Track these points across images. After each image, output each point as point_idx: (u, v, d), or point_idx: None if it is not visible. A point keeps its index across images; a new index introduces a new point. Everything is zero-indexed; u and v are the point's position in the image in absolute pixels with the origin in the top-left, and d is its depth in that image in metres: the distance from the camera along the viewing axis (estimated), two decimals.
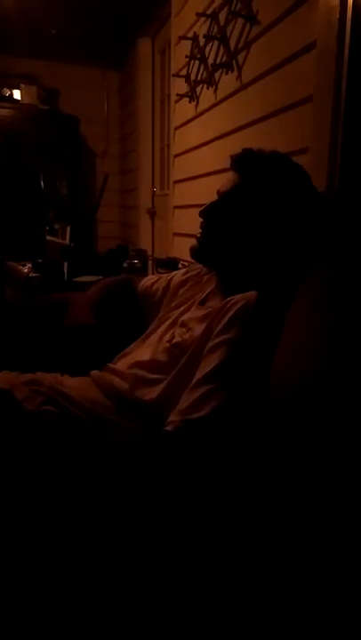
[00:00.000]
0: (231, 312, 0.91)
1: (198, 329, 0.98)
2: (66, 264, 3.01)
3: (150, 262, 2.89)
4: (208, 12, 2.05)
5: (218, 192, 1.04)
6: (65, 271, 2.98)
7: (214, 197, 1.05)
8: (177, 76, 2.53)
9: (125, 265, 2.58)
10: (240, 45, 1.81)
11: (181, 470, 0.80)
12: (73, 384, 1.06)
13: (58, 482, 0.75)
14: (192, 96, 2.39)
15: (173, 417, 0.86)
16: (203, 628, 0.67)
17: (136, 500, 0.75)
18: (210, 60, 2.11)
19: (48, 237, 3.18)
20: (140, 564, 0.71)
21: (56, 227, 3.60)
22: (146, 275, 2.67)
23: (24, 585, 0.67)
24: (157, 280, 1.33)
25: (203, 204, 1.05)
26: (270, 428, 0.80)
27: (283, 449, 0.76)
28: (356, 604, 0.59)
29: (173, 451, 0.82)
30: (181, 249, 2.60)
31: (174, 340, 1.03)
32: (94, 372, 1.09)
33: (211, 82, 2.14)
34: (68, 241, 3.62)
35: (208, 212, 1.04)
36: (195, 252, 1.07)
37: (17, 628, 0.64)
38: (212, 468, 0.82)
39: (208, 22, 2.04)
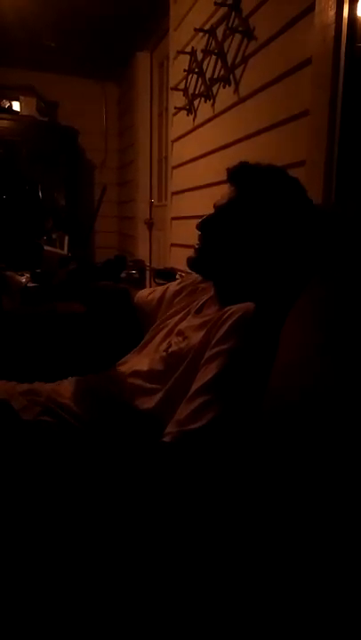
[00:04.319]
0: (229, 322, 0.92)
1: (195, 337, 0.99)
2: None
3: (148, 273, 2.90)
4: (206, 28, 2.08)
5: (214, 206, 1.04)
6: None
7: (212, 209, 1.06)
8: (175, 89, 2.56)
9: (123, 275, 2.58)
10: (237, 60, 1.84)
11: (179, 481, 0.80)
12: (70, 394, 1.06)
13: (55, 492, 0.75)
14: (190, 109, 2.42)
15: (171, 428, 0.86)
16: (201, 631, 0.67)
17: (134, 510, 0.74)
18: (208, 74, 2.14)
19: (46, 247, 3.18)
20: (137, 573, 0.70)
21: (54, 237, 3.61)
22: (144, 285, 2.67)
23: (22, 592, 0.67)
24: (153, 291, 1.34)
25: (200, 216, 1.06)
26: (267, 440, 0.80)
27: (280, 460, 0.76)
28: (354, 606, 0.59)
29: (171, 462, 0.82)
30: (179, 259, 2.61)
31: (170, 349, 1.03)
32: (93, 382, 1.09)
33: (208, 95, 2.16)
34: (65, 251, 3.63)
35: (205, 226, 1.05)
36: (192, 263, 1.08)
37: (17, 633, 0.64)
38: (209, 478, 0.81)
39: (206, 37, 2.07)
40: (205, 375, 0.89)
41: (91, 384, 1.09)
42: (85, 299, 1.40)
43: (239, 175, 1.03)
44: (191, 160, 2.45)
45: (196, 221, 1.06)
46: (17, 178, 3.75)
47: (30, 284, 1.98)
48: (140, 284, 2.60)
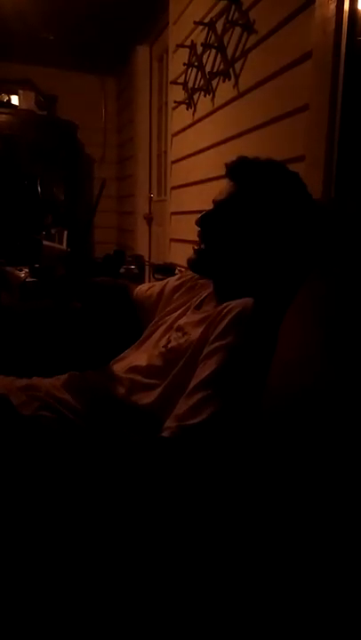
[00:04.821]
0: (228, 318, 0.92)
1: (194, 333, 0.98)
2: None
3: (147, 268, 2.90)
4: (206, 21, 2.07)
5: (213, 201, 1.04)
6: None
7: (211, 204, 1.05)
8: (174, 83, 2.55)
9: (122, 270, 2.58)
10: (237, 54, 1.83)
11: (178, 476, 0.80)
12: (69, 389, 1.06)
13: (54, 488, 0.75)
14: (189, 103, 2.41)
15: (170, 423, 0.86)
16: (200, 629, 0.67)
17: (133, 505, 0.75)
18: (207, 68, 2.13)
19: (45, 243, 3.18)
20: (136, 568, 0.71)
21: (53, 232, 3.60)
22: (143, 280, 2.67)
23: (19, 587, 0.67)
24: (152, 286, 1.34)
25: (199, 211, 1.06)
26: (267, 436, 0.80)
27: (279, 456, 0.77)
28: (354, 606, 0.59)
29: (170, 457, 0.82)
30: (178, 255, 2.60)
31: (170, 345, 1.03)
32: (91, 376, 1.09)
33: (208, 89, 2.15)
34: (65, 246, 3.62)
35: (204, 221, 1.04)
36: (192, 264, 1.08)
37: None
38: (208, 473, 0.82)
39: (206, 31, 2.06)
40: (204, 371, 0.89)
41: (89, 379, 1.09)
42: (84, 294, 1.40)
43: (238, 170, 1.02)
44: (191, 154, 2.44)
45: (195, 216, 1.05)
46: (16, 173, 3.74)
47: (29, 280, 1.97)
48: (140, 280, 2.60)
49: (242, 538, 0.75)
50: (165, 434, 0.84)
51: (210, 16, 2.04)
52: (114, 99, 4.56)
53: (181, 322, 1.09)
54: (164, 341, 1.08)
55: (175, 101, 2.59)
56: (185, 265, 1.11)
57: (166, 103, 3.03)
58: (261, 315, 0.91)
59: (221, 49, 1.95)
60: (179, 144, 2.66)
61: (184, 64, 2.34)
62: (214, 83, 2.09)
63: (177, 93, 2.56)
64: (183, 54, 2.36)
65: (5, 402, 0.92)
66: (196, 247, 1.07)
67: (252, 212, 0.98)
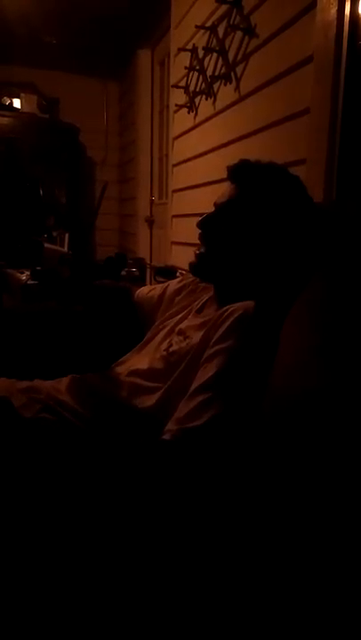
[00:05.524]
0: (229, 321, 0.92)
1: (195, 337, 0.98)
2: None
3: (148, 270, 2.90)
4: (207, 25, 2.07)
5: (215, 204, 1.04)
6: None
7: (212, 207, 1.05)
8: (176, 86, 2.56)
9: (124, 273, 2.58)
10: (239, 58, 1.84)
11: (179, 479, 0.80)
12: (70, 392, 1.06)
13: (54, 490, 0.75)
14: (191, 107, 2.41)
15: (171, 426, 0.86)
16: (200, 631, 0.67)
17: (134, 508, 0.75)
18: (209, 72, 2.13)
19: (46, 245, 3.18)
20: (137, 570, 0.71)
21: (55, 234, 3.61)
22: (144, 283, 2.68)
23: (20, 590, 0.67)
24: (153, 288, 1.34)
25: (201, 214, 1.06)
26: (268, 437, 0.80)
27: (280, 458, 0.77)
28: (354, 606, 0.59)
29: (171, 459, 0.82)
30: (180, 257, 2.61)
31: (171, 349, 1.03)
32: (92, 379, 1.09)
33: (209, 93, 2.16)
34: (66, 249, 3.63)
35: (205, 224, 1.04)
36: (194, 268, 1.08)
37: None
38: (209, 476, 0.81)
39: (207, 35, 2.07)
40: (205, 374, 0.89)
41: (90, 382, 1.09)
42: (87, 297, 1.40)
43: (239, 173, 1.03)
44: (192, 158, 2.45)
45: (196, 219, 1.06)
46: (18, 175, 3.75)
47: (31, 282, 1.97)
48: (141, 282, 2.60)
49: (243, 540, 0.75)
50: (166, 437, 0.84)
51: (211, 20, 2.05)
52: (116, 102, 4.57)
53: (183, 325, 1.09)
54: (165, 345, 1.08)
55: (176, 105, 2.60)
56: (186, 268, 1.11)
57: (168, 106, 3.04)
58: (262, 318, 0.91)
59: (223, 53, 1.95)
60: (180, 147, 2.67)
61: (185, 68, 2.35)
62: (215, 86, 2.09)
63: (178, 97, 2.57)
64: (185, 58, 2.37)
65: (6, 404, 0.92)
66: (197, 251, 1.07)
67: (253, 215, 0.98)
